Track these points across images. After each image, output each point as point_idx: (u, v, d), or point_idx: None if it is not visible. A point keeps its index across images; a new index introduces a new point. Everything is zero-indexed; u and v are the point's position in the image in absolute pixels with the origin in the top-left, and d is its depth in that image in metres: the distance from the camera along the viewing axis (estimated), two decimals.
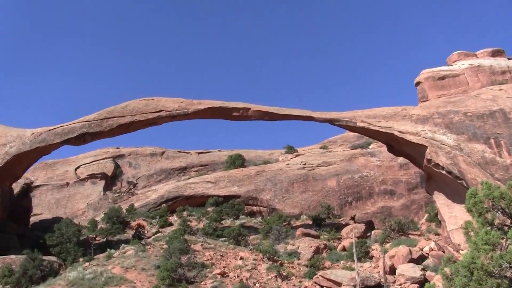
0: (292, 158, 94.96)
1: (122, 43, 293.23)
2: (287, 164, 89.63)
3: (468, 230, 21.08)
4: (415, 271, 48.49)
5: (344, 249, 60.86)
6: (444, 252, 53.04)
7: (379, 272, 50.09)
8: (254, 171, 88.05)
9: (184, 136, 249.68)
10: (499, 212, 20.81)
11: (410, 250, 52.59)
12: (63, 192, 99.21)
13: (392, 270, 50.28)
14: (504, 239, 19.62)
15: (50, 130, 66.00)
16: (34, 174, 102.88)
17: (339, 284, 45.91)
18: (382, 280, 46.75)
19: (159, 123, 68.40)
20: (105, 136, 67.39)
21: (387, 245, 58.08)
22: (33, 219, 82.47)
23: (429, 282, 35.74)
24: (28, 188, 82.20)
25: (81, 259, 57.15)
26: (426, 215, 76.31)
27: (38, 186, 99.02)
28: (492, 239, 18.88)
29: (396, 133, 58.10)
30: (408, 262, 50.96)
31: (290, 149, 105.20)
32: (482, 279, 18.49)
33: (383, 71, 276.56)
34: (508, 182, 21.79)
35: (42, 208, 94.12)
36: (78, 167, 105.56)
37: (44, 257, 55.17)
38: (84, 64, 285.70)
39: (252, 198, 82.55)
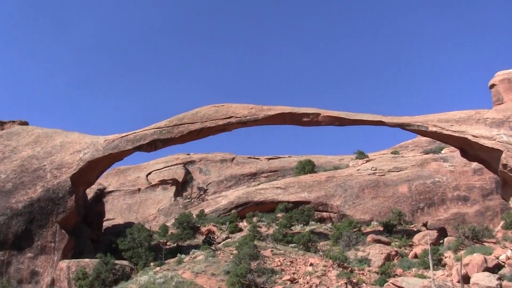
0: (363, 163, 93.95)
1: (192, 49, 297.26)
2: (358, 170, 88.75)
3: None
4: (490, 280, 46.77)
5: (416, 256, 59.55)
6: None
7: (452, 280, 48.70)
8: (324, 177, 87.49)
9: (254, 142, 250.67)
10: None
11: (485, 259, 50.78)
12: (135, 197, 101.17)
13: (466, 279, 48.63)
14: None
15: (123, 137, 67.35)
16: (107, 180, 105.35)
17: None
18: None
19: (229, 129, 68.75)
20: (176, 142, 68.24)
21: (461, 253, 56.50)
22: (106, 224, 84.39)
23: None
24: (101, 194, 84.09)
25: (152, 264, 58.04)
26: (502, 222, 73.77)
27: (111, 191, 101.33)
28: None
29: (469, 137, 56.59)
30: (483, 270, 49.18)
31: (361, 155, 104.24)
32: None
33: (456, 74, 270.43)
34: None
35: (115, 213, 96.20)
36: (149, 173, 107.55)
37: (117, 261, 56.38)
38: (155, 71, 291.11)
39: (322, 204, 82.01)
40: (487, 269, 49.40)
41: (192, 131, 66.59)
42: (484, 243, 62.33)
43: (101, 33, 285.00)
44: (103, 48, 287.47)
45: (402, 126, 63.24)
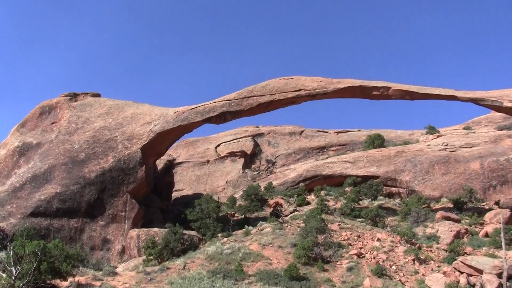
0: (434, 138, 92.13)
1: (262, 23, 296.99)
2: (428, 145, 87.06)
3: None
4: None
5: (486, 235, 58.28)
6: None
7: None
8: (393, 151, 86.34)
9: (323, 115, 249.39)
10: None
11: None
12: (203, 169, 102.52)
13: None
14: None
15: (192, 109, 68.19)
16: (177, 151, 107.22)
17: (480, 271, 44.00)
18: None
19: (298, 102, 68.73)
20: (245, 115, 68.70)
21: None
22: (174, 195, 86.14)
23: None
24: (171, 165, 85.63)
25: (219, 235, 59.08)
26: None
27: (180, 163, 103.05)
28: None
29: None
30: None
31: (432, 130, 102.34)
32: None
33: None
34: None
35: (184, 184, 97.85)
36: (218, 145, 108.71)
37: (185, 231, 57.64)
38: (224, 44, 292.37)
39: (391, 179, 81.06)
40: None
41: (261, 103, 66.86)
42: None
43: (171, 6, 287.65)
44: (173, 21, 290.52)
45: (476, 101, 61.69)
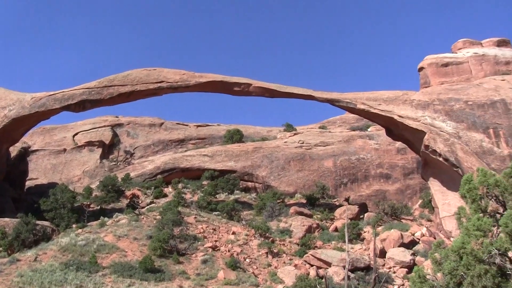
0: (290, 136, 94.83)
1: (126, 11, 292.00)
2: (285, 142, 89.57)
3: (461, 216, 21.01)
4: (405, 255, 48.60)
5: (336, 229, 61.02)
6: (435, 238, 53.09)
7: (369, 254, 50.18)
8: (251, 147, 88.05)
9: (184, 108, 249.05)
10: (492, 199, 20.71)
11: (401, 235, 52.66)
12: (60, 158, 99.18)
13: (382, 254, 50.37)
14: (496, 227, 19.58)
15: (50, 95, 65.90)
16: (32, 138, 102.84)
17: (328, 264, 46.11)
18: (372, 262, 46.81)
19: (160, 94, 68.34)
20: (105, 104, 67.36)
21: (379, 229, 58.11)
22: (28, 184, 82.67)
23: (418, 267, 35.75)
24: (25, 152, 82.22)
25: (74, 226, 57.42)
26: (420, 201, 76.43)
27: (35, 150, 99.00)
28: (483, 226, 18.81)
29: (395, 117, 57.96)
30: (399, 246, 51.03)
31: (289, 127, 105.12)
32: (470, 264, 18.39)
33: (387, 56, 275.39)
34: (503, 170, 21.65)
35: (38, 173, 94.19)
36: (76, 134, 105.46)
37: (38, 222, 55.31)
38: (87, 31, 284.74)
39: (247, 174, 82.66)
40: (402, 245, 51.37)
41: (122, 93, 65.80)
42: (401, 220, 64.60)
43: None
44: (32, 4, 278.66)
45: (332, 101, 64.13)
